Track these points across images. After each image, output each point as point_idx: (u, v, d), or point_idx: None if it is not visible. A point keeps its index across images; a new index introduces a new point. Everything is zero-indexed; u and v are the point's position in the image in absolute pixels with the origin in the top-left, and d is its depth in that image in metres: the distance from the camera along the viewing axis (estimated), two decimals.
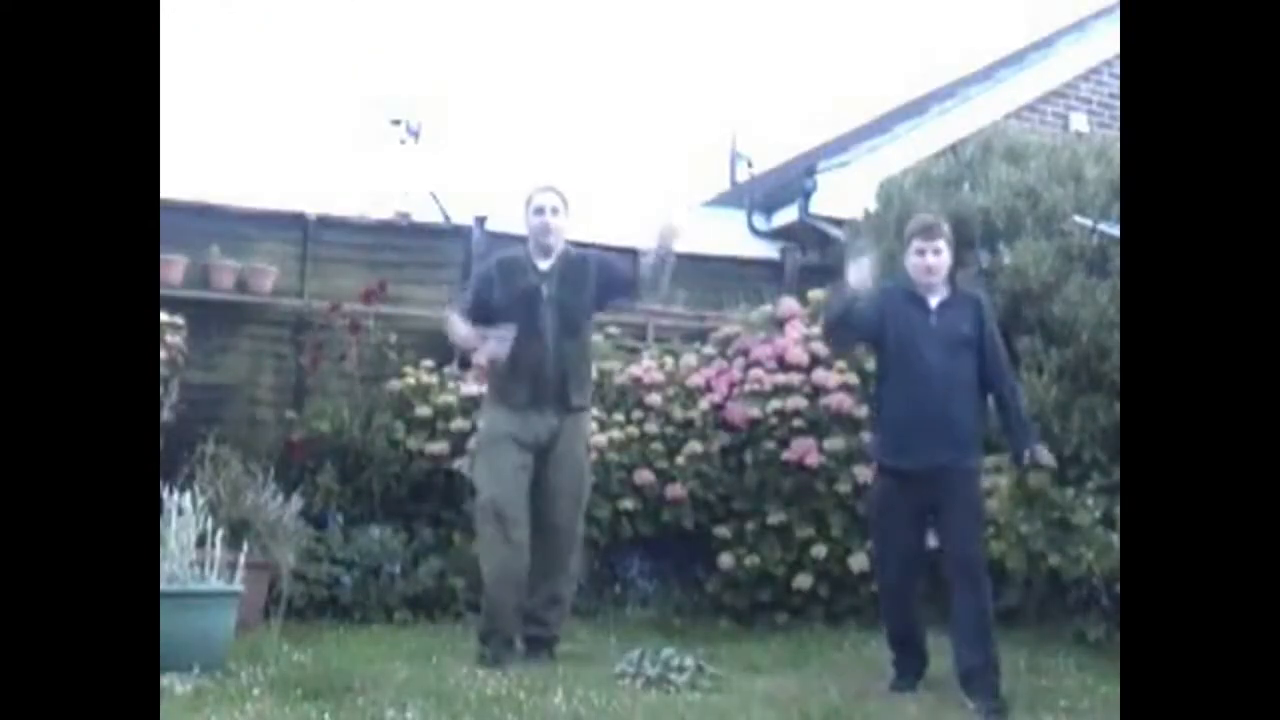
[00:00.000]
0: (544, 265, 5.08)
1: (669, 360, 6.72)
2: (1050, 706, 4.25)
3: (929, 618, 4.70)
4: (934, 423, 4.42)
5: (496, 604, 4.94)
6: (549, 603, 5.02)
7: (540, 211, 5.09)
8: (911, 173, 7.00)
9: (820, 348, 6.25)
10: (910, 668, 4.64)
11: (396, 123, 8.46)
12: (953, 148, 7.30)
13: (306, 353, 6.73)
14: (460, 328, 5.10)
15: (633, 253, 7.41)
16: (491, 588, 4.98)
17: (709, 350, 6.70)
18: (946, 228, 4.71)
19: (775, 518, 6.07)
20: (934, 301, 4.57)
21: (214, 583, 4.63)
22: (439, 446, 6.24)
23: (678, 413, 6.38)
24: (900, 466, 4.56)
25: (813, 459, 5.98)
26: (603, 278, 5.15)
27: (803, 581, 6.00)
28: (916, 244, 4.61)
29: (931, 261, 4.58)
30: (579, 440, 5.11)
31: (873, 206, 6.97)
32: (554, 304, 5.00)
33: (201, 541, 4.71)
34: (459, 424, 6.22)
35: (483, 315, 5.11)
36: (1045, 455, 4.67)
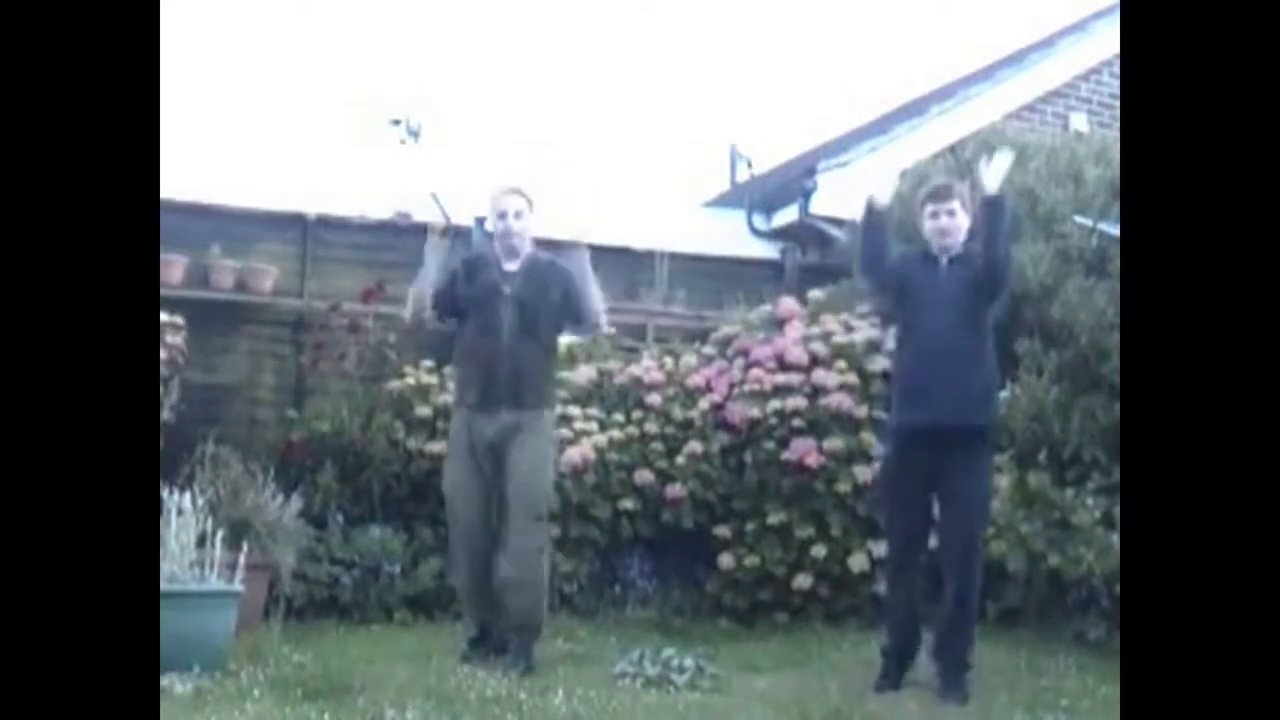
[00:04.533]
0: (509, 266, 5.03)
1: (669, 360, 6.72)
2: (1050, 706, 4.24)
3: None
4: (943, 378, 4.37)
5: (469, 607, 5.09)
6: (525, 600, 4.86)
7: (503, 216, 5.03)
8: (910, 174, 6.99)
9: (820, 348, 6.26)
10: (900, 653, 4.60)
11: (396, 123, 8.44)
12: (952, 148, 7.29)
13: (306, 353, 6.73)
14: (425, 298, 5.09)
15: (629, 252, 7.48)
16: (461, 592, 5.15)
17: (709, 350, 6.70)
18: (962, 189, 4.64)
19: (775, 518, 6.07)
20: (945, 260, 4.53)
21: (214, 583, 4.64)
22: (439, 446, 6.21)
23: (678, 413, 6.38)
24: (908, 423, 4.50)
25: (812, 459, 5.98)
26: (564, 301, 5.03)
27: (803, 581, 6.00)
28: (930, 208, 4.55)
29: (945, 223, 4.51)
30: (537, 441, 4.94)
31: None
32: (514, 303, 4.94)
33: (201, 541, 4.72)
34: None
35: (446, 307, 5.11)
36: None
